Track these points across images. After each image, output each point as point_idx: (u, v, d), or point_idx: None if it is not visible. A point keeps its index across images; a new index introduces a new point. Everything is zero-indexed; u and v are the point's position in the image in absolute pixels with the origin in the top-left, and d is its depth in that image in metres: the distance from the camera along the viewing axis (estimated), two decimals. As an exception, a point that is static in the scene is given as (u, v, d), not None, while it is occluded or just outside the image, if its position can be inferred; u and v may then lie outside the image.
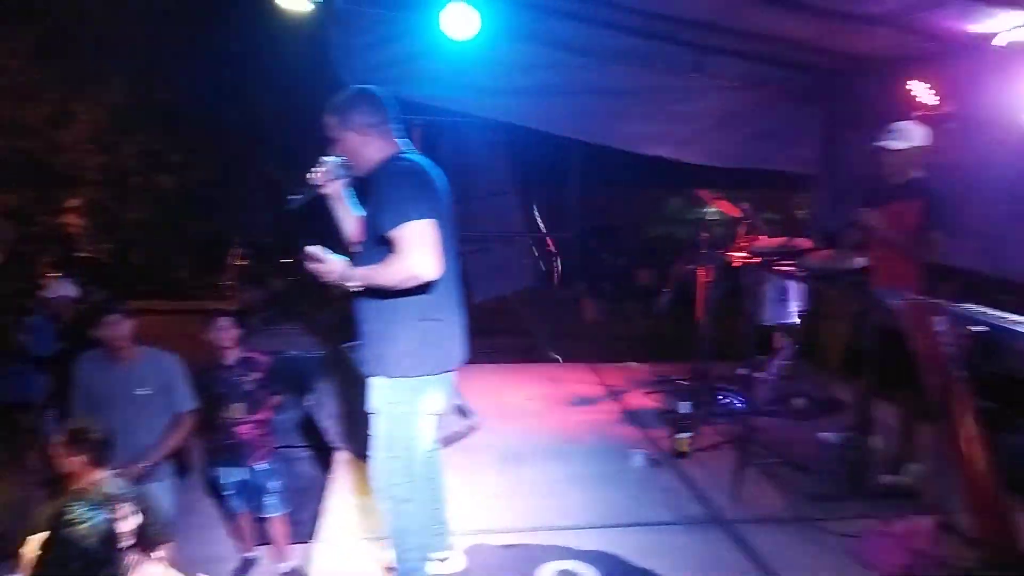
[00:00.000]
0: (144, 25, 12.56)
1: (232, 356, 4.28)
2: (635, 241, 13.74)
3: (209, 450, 4.45)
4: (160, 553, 2.70)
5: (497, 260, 6.86)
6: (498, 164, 6.89)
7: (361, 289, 2.61)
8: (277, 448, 4.53)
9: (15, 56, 13.51)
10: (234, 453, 4.30)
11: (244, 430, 4.27)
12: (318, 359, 4.73)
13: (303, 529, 4.23)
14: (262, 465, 4.32)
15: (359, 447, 3.26)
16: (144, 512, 2.61)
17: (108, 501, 2.68)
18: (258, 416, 4.30)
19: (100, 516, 2.64)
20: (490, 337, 6.12)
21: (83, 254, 11.92)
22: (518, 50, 5.26)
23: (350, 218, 2.90)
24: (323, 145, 2.76)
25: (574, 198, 11.65)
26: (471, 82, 5.21)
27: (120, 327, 3.90)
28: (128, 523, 2.64)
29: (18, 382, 5.38)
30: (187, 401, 4.13)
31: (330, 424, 4.28)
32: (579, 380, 6.09)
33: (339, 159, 2.78)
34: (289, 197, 2.79)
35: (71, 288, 5.69)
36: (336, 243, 2.78)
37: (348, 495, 3.89)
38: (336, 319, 5.70)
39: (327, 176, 2.79)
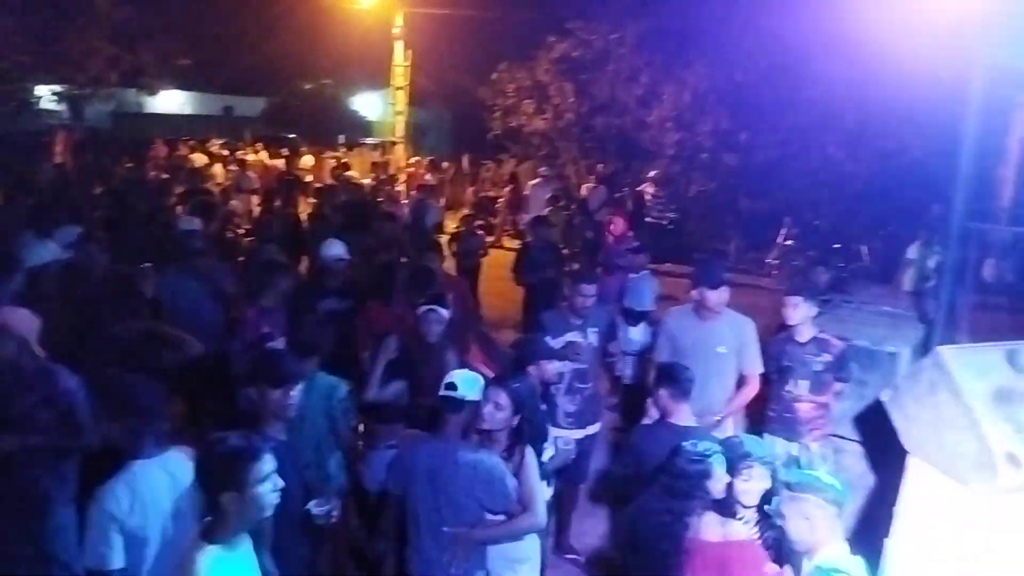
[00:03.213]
0: (733, 11, 13.39)
1: (805, 334, 4.38)
2: None
3: (762, 418, 4.67)
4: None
5: None
6: None
7: None
8: (829, 435, 4.51)
9: (623, 45, 15.90)
10: (787, 427, 4.43)
11: (803, 407, 4.36)
12: (890, 355, 4.48)
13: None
14: (813, 445, 4.36)
15: (936, 457, 3.00)
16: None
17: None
18: (821, 398, 4.34)
19: (715, 453, 3.04)
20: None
21: (649, 219, 13.58)
22: None
23: None
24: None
25: None
26: None
27: (722, 293, 4.34)
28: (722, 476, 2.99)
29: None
30: (756, 364, 4.41)
31: (906, 426, 4.02)
32: None
33: None
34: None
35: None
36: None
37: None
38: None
39: None
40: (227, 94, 29.83)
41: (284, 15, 20.95)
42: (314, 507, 3.06)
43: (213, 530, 2.30)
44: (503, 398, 3.21)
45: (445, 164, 19.88)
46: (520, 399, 3.27)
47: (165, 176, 12.76)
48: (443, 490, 3.10)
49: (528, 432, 3.33)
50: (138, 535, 2.64)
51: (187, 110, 29.11)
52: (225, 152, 18.26)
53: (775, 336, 4.61)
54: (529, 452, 3.29)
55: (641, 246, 7.01)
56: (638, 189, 14.67)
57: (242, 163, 15.59)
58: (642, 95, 15.43)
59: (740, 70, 13.70)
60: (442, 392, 3.16)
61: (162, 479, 2.75)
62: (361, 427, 4.47)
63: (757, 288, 10.10)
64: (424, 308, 4.36)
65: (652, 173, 14.72)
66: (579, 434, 4.64)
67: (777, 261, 12.55)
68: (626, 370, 6.17)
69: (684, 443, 3.09)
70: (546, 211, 10.93)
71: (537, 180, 14.46)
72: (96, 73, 15.76)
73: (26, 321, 3.62)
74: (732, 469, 2.98)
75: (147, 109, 23.20)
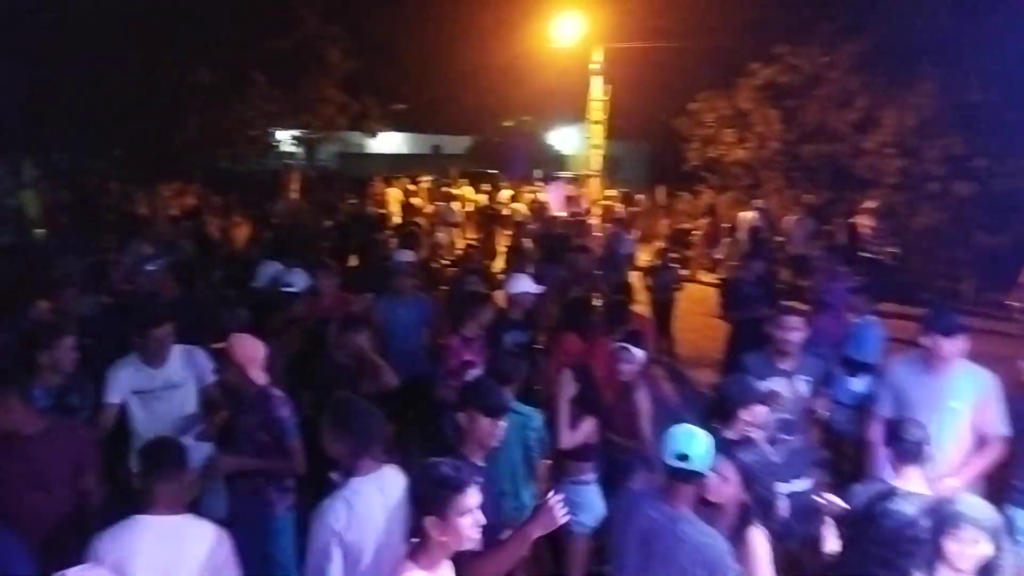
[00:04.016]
0: (968, 24, 12.08)
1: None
2: None
3: (1005, 488, 4.04)
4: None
5: None
6: None
7: None
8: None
9: (835, 68, 14.92)
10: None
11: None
12: None
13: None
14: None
15: None
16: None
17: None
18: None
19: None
20: None
21: (867, 255, 12.46)
22: None
23: None
24: None
25: None
26: None
27: (958, 342, 3.86)
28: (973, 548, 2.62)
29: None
30: (998, 424, 3.84)
31: None
32: None
33: None
34: None
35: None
36: None
37: None
38: None
39: None
40: (437, 134, 32.02)
41: (489, 59, 22.12)
42: None
43: (417, 552, 2.40)
44: (731, 471, 2.95)
45: (639, 196, 19.78)
46: (750, 474, 3.00)
47: (382, 210, 13.91)
48: (659, 560, 2.85)
49: (759, 511, 3.02)
50: (354, 549, 2.80)
51: (402, 150, 31.62)
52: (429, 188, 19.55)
53: (1021, 392, 4.00)
54: (757, 535, 2.96)
55: (861, 285, 6.39)
56: (851, 221, 13.56)
57: (447, 198, 16.60)
58: (857, 120, 14.35)
59: (976, 89, 12.28)
60: (673, 462, 2.85)
61: (376, 496, 2.90)
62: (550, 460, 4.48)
63: (996, 334, 8.92)
64: (619, 346, 4.31)
65: (869, 204, 13.52)
66: (782, 488, 4.30)
67: (1020, 304, 10.95)
68: (841, 423, 5.63)
69: (895, 505, 2.76)
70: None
71: (748, 212, 13.90)
72: (327, 118, 17.65)
73: (251, 347, 3.84)
74: (942, 529, 2.69)
75: (368, 149, 25.55)
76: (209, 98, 14.56)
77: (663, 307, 9.01)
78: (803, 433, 4.38)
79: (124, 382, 4.10)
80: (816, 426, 5.03)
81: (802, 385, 4.30)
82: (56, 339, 3.92)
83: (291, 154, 19.83)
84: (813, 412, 4.44)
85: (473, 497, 2.38)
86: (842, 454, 5.57)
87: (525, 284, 5.73)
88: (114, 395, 4.07)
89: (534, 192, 19.35)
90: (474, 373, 4.42)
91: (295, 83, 16.37)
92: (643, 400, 4.29)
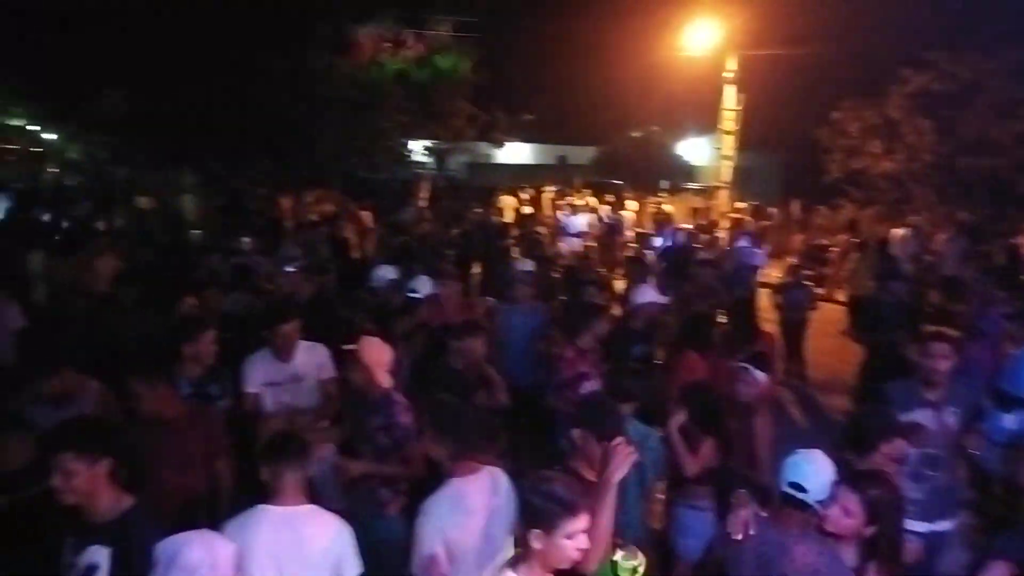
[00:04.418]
0: None
1: None
2: None
3: None
4: None
5: None
6: None
7: None
8: None
9: (997, 75, 13.68)
10: None
11: None
12: None
13: None
14: None
15: None
16: None
17: None
18: None
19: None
20: None
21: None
22: None
23: None
24: None
25: None
26: None
27: None
28: None
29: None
30: None
31: None
32: None
33: None
34: None
35: None
36: None
37: None
38: None
39: None
40: (563, 144, 32.17)
41: (617, 70, 21.98)
42: (621, 559, 2.99)
43: (518, 563, 2.37)
44: (854, 504, 2.78)
45: (772, 210, 18.92)
46: (877, 510, 2.80)
47: (505, 220, 14.10)
48: None
49: (884, 550, 2.82)
50: (457, 548, 2.85)
51: (528, 160, 31.99)
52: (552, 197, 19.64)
53: None
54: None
55: (1019, 312, 5.79)
56: (1011, 242, 12.32)
57: (570, 208, 16.59)
58: (1022, 132, 13.07)
59: None
60: (787, 490, 2.76)
61: (478, 498, 2.94)
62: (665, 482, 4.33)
63: None
64: (740, 366, 4.11)
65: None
66: (922, 528, 3.94)
67: None
68: (991, 462, 5.09)
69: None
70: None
71: (900, 229, 12.96)
72: (457, 129, 18.19)
73: (379, 351, 3.96)
74: None
75: (495, 160, 26.04)
76: (350, 111, 15.40)
77: (794, 327, 8.53)
78: (949, 470, 4.01)
79: (258, 374, 4.36)
80: (964, 463, 4.59)
81: (950, 418, 3.93)
82: (198, 333, 4.23)
83: (422, 164, 20.57)
84: (961, 448, 4.05)
85: (583, 521, 2.34)
86: (990, 496, 5.04)
87: (650, 294, 5.60)
88: (251, 385, 4.35)
89: (660, 203, 18.98)
90: (588, 386, 4.35)
91: (428, 96, 16.99)
92: (763, 425, 4.06)
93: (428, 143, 19.82)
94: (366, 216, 13.47)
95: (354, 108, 15.37)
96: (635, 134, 28.13)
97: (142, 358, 4.00)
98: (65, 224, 10.56)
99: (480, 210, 16.32)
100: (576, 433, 3.13)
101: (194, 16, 13.72)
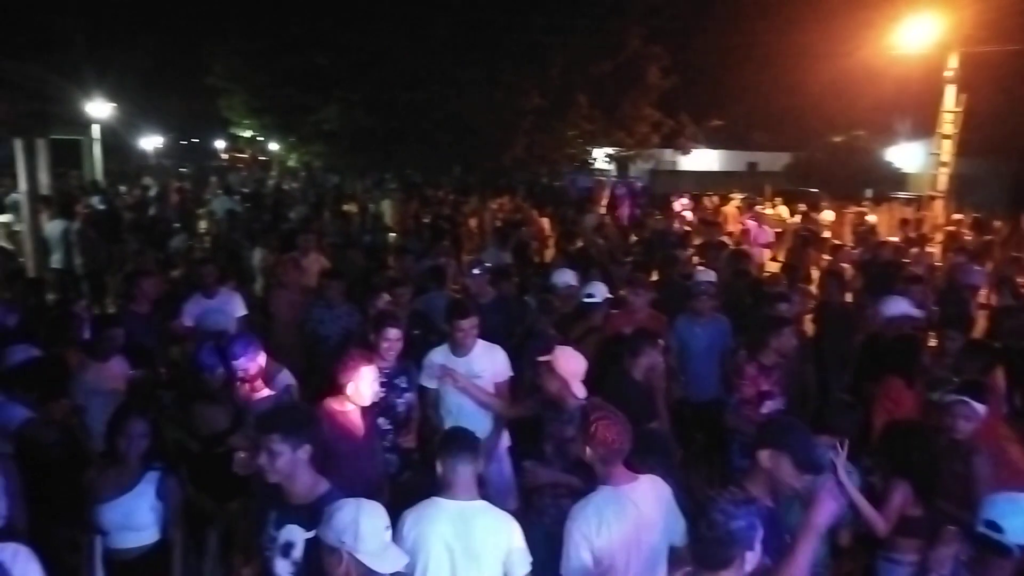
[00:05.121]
0: None
1: None
2: None
3: None
4: None
5: None
6: None
7: None
8: None
9: None
10: None
11: None
12: None
13: None
14: None
15: None
16: None
17: None
18: None
19: None
20: None
21: None
22: None
23: None
24: None
25: None
26: None
27: None
28: None
29: None
30: None
31: None
32: None
33: None
34: None
35: None
36: None
37: None
38: None
39: None
40: (753, 150, 30.77)
41: (818, 71, 20.61)
42: None
43: None
44: None
45: (996, 223, 16.77)
46: None
47: (687, 228, 13.71)
48: None
49: None
50: (603, 557, 2.82)
51: (714, 167, 30.97)
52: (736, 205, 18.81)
53: None
54: None
55: None
56: None
57: (758, 217, 15.79)
58: None
59: None
60: (984, 530, 2.54)
61: (629, 507, 2.89)
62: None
63: None
64: (953, 398, 3.67)
65: None
66: None
67: None
68: None
69: None
70: None
71: None
72: (642, 136, 17.96)
73: (575, 362, 3.97)
74: None
75: (680, 167, 25.47)
76: (537, 120, 15.77)
77: (1019, 355, 7.50)
78: None
79: (435, 368, 4.58)
80: None
81: None
82: (385, 328, 4.49)
83: (604, 171, 20.57)
84: None
85: (757, 555, 2.25)
86: None
87: (902, 306, 5.19)
88: (429, 380, 4.58)
89: (862, 213, 17.51)
90: (771, 405, 4.12)
91: (614, 103, 16.95)
92: (982, 466, 3.58)
93: (611, 150, 19.78)
94: (545, 222, 13.74)
95: (542, 116, 15.71)
96: (836, 139, 26.26)
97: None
98: (283, 226, 11.78)
99: (660, 217, 16.02)
100: (765, 454, 2.87)
101: (401, 35, 14.78)
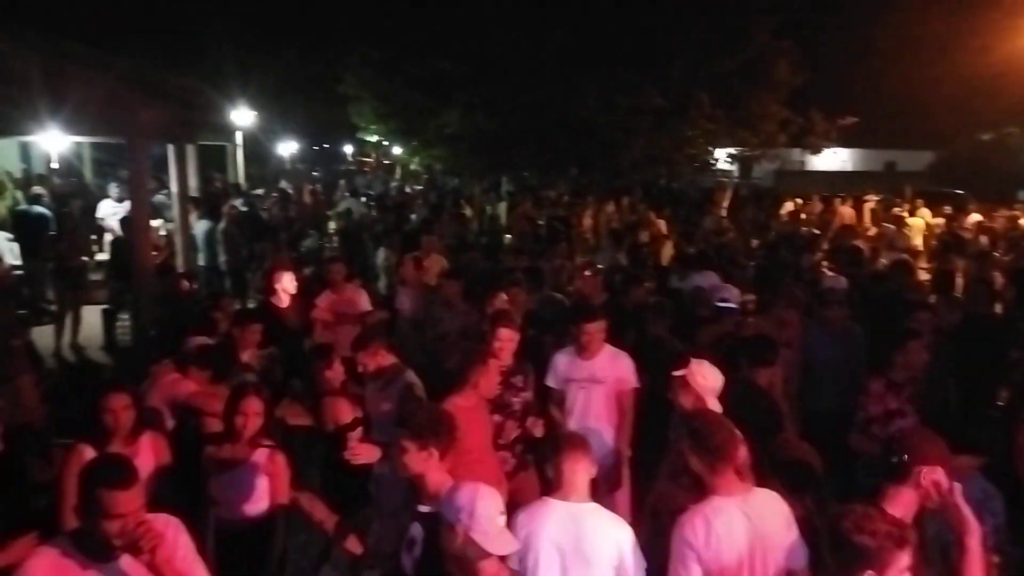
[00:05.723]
0: None
1: None
2: None
3: None
4: None
5: None
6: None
7: None
8: None
9: None
10: None
11: None
12: None
13: None
14: None
15: None
16: None
17: None
18: None
19: None
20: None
21: None
22: None
23: None
24: None
25: None
26: None
27: None
28: None
29: None
30: None
31: None
32: None
33: None
34: None
35: None
36: None
37: None
38: None
39: None
40: (891, 149, 28.86)
41: (964, 64, 19.03)
42: None
43: None
44: None
45: None
46: None
47: (816, 231, 13.05)
48: None
49: None
50: (712, 567, 2.73)
51: (847, 167, 29.29)
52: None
53: None
54: None
55: None
56: None
57: (898, 220, 14.78)
58: None
59: None
60: None
61: (740, 518, 2.78)
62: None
63: None
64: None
65: None
66: None
67: None
68: None
69: None
70: None
71: None
72: (767, 135, 17.22)
73: (712, 376, 3.72)
74: None
75: (810, 167, 24.23)
76: (656, 120, 15.48)
77: None
78: None
79: (561, 370, 4.61)
80: None
81: None
82: (497, 328, 4.52)
83: (726, 171, 19.89)
84: None
85: (906, 559, 2.19)
86: None
87: None
88: (553, 380, 4.62)
89: (1013, 217, 16.01)
90: (900, 423, 3.83)
91: (738, 101, 16.36)
92: None
93: (733, 150, 19.10)
94: (661, 224, 13.46)
95: (660, 116, 15.41)
96: (984, 136, 24.20)
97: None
98: (406, 227, 12.20)
99: (787, 220, 15.33)
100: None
101: (520, 39, 14.96)
